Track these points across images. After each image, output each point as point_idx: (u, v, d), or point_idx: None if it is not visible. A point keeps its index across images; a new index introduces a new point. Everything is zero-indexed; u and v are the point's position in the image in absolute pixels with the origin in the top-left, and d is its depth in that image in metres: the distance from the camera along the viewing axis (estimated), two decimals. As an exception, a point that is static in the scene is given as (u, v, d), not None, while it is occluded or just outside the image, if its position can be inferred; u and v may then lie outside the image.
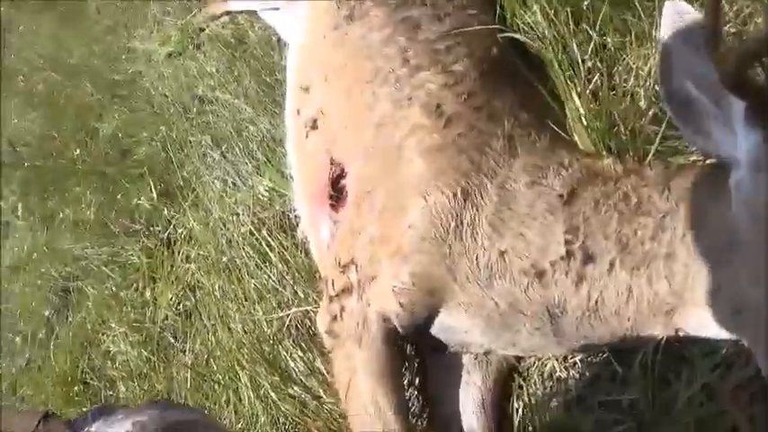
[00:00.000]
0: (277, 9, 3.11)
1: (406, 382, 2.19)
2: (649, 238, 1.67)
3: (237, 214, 2.97)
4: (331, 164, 2.26)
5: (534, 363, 2.12)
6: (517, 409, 2.10)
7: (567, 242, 1.75)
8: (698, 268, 1.60)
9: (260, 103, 3.19)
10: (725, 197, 1.57)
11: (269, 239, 2.76)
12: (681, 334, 1.70)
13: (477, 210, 1.84)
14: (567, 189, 1.82)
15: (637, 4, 2.13)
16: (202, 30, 3.76)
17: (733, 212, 1.54)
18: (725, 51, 1.35)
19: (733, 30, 2.08)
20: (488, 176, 1.87)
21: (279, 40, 3.28)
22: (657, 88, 1.90)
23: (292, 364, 2.46)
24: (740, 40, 2.01)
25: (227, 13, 3.66)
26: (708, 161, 1.80)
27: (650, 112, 2.05)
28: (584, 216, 1.76)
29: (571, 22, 2.24)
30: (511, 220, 1.82)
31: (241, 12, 3.59)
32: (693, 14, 1.58)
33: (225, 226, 2.99)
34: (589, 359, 2.02)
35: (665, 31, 1.60)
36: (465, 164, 1.89)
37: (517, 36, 2.35)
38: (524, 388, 2.10)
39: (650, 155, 1.94)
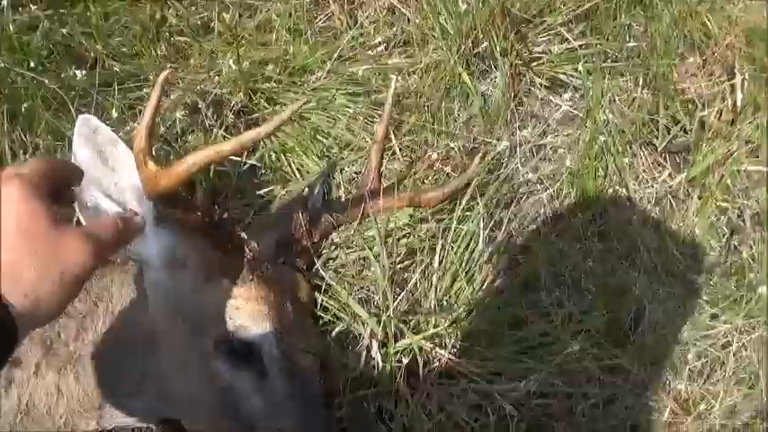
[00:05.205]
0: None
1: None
2: (73, 338, 1.74)
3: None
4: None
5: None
6: None
7: None
8: (123, 362, 1.71)
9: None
10: (142, 294, 1.70)
11: None
12: (110, 426, 1.77)
13: None
14: None
15: None
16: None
17: (150, 308, 1.67)
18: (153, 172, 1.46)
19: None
20: None
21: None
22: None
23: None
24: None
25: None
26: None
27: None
28: None
29: None
30: None
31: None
32: (105, 130, 1.60)
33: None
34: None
35: (79, 144, 1.59)
36: None
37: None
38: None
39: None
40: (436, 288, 2.05)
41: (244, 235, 1.77)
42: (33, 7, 2.38)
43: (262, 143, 2.27)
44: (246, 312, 1.66)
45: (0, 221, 1.01)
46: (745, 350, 2.22)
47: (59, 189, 1.20)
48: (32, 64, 2.30)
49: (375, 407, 1.97)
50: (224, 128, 2.27)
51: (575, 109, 2.41)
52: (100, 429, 1.83)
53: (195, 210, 1.64)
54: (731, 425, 2.16)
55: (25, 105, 2.20)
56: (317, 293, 2.00)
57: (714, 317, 2.24)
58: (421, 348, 1.98)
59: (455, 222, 2.10)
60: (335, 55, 2.38)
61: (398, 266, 2.06)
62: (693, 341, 2.21)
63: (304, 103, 2.21)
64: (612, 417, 2.09)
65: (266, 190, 2.23)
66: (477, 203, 2.12)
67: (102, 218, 1.36)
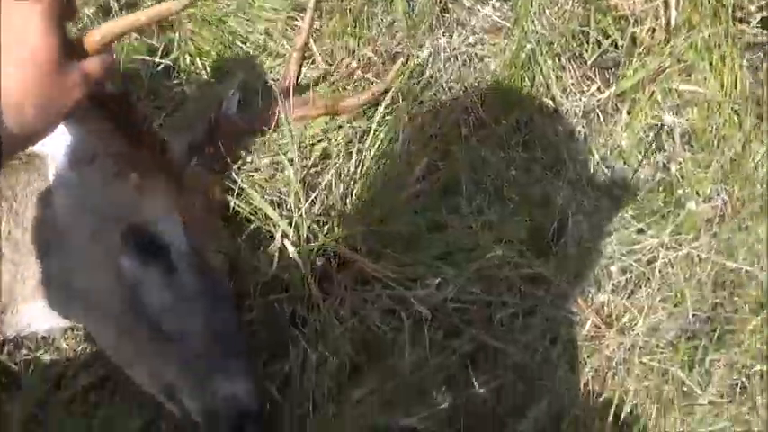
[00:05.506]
0: None
1: None
2: None
3: None
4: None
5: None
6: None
7: None
8: (27, 264, 1.63)
9: None
10: (47, 192, 1.63)
11: None
12: (13, 334, 1.74)
13: None
14: None
15: None
16: None
17: (56, 205, 1.61)
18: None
19: None
20: None
21: None
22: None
23: None
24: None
25: None
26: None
27: None
28: None
29: None
30: None
31: None
32: None
33: None
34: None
35: None
36: None
37: None
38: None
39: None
40: (352, 192, 2.00)
41: (155, 128, 1.70)
42: None
43: (177, 45, 2.19)
44: (155, 207, 1.62)
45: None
46: (671, 267, 2.21)
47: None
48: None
49: (288, 312, 1.92)
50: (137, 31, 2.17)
51: (502, 19, 2.35)
52: (2, 339, 1.78)
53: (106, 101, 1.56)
54: (655, 342, 2.15)
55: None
56: (228, 197, 1.94)
57: (640, 232, 2.22)
58: (335, 253, 1.93)
59: (375, 125, 2.04)
60: (256, -43, 2.29)
61: (313, 170, 2.00)
62: (618, 255, 2.18)
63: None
64: (533, 327, 2.06)
65: (179, 92, 2.15)
66: (398, 107, 2.06)
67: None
